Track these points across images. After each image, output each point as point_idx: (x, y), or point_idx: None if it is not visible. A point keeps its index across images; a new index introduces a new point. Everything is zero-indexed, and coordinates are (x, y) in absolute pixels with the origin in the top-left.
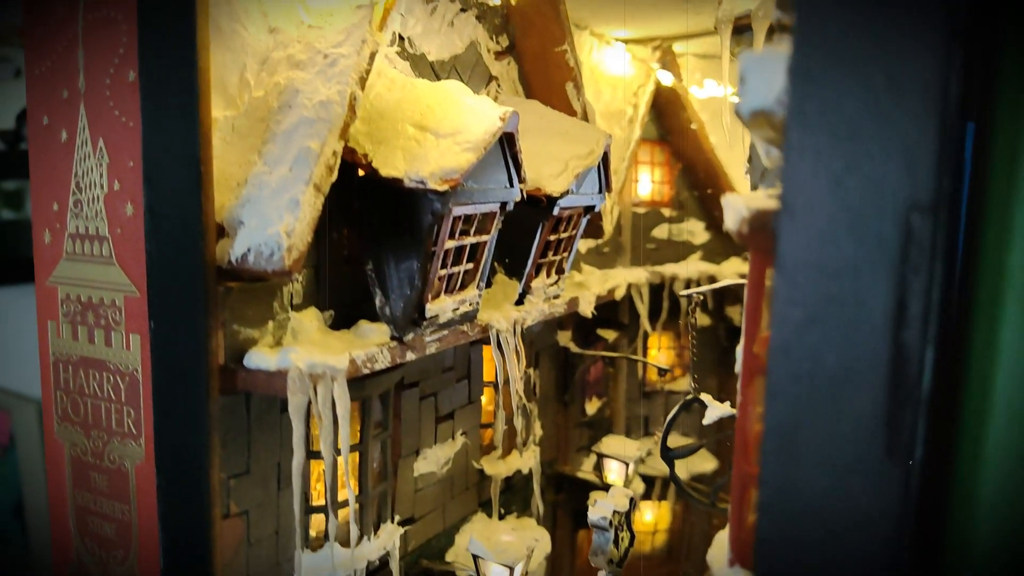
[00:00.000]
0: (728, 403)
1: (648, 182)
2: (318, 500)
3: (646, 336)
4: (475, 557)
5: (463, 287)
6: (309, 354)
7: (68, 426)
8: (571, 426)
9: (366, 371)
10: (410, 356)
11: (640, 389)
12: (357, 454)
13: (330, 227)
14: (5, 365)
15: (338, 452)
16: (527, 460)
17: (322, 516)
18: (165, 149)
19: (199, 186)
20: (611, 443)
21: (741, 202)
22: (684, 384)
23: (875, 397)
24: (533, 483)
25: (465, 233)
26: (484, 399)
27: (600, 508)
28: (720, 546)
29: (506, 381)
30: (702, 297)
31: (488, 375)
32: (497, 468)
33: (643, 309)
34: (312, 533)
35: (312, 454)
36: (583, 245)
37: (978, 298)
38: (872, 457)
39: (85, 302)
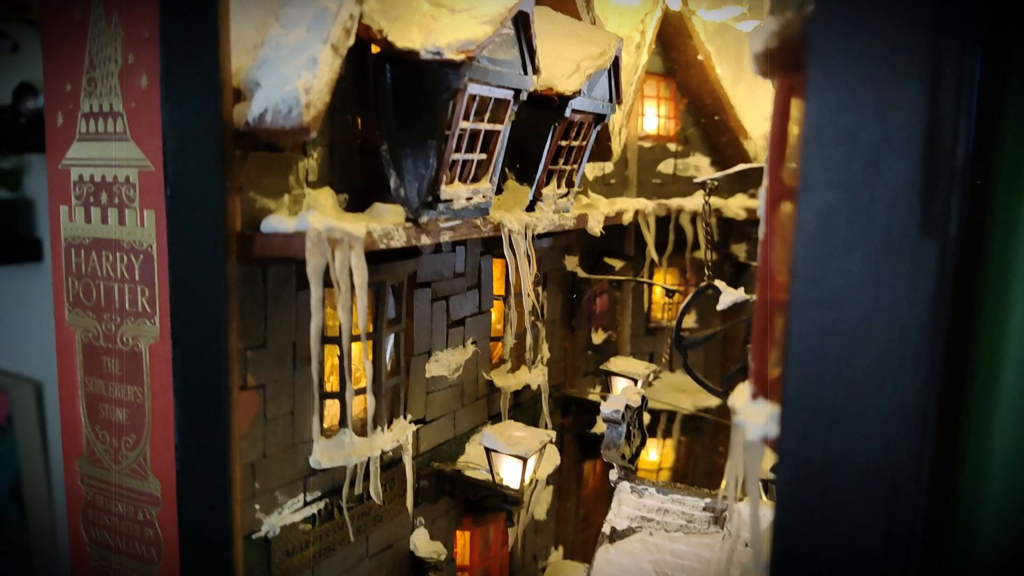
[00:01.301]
0: (742, 288)
1: (654, 117)
2: (332, 388)
3: (652, 266)
4: (488, 450)
5: (476, 179)
6: (327, 219)
7: (79, 312)
8: (577, 351)
9: (382, 246)
10: (425, 240)
11: (645, 325)
12: (372, 343)
13: (344, 111)
14: (3, 346)
15: (356, 333)
16: (535, 377)
17: (336, 402)
18: (180, 15)
19: (216, 49)
20: (618, 362)
21: (768, 23)
22: (689, 321)
23: (909, 172)
24: (542, 400)
25: (480, 117)
26: (494, 315)
27: (612, 402)
28: (742, 391)
29: (516, 294)
30: (716, 183)
31: (498, 288)
32: (506, 381)
33: (650, 238)
34: (326, 424)
35: (327, 339)
36: (590, 172)
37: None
38: (908, 233)
39: (99, 182)
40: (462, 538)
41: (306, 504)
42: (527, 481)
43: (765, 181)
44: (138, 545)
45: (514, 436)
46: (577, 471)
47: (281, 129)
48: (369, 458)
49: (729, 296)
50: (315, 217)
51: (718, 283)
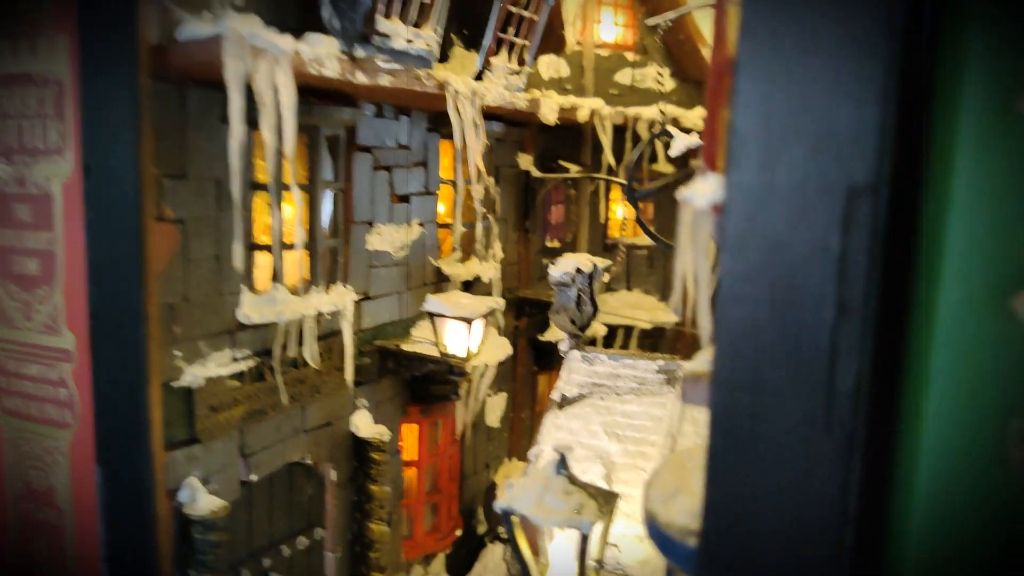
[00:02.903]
0: (695, 133)
1: (611, 24)
2: (267, 242)
3: (610, 171)
4: (431, 315)
5: (417, 24)
6: (251, 26)
7: None
8: (532, 254)
9: (313, 71)
10: (362, 78)
11: (602, 241)
12: (307, 196)
13: None
14: None
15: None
16: (487, 270)
17: (268, 256)
18: None
19: None
20: (571, 256)
21: None
22: (647, 239)
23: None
24: (493, 294)
25: None
26: (443, 202)
27: (562, 265)
28: None
29: (466, 180)
30: (671, 23)
31: (447, 172)
32: (455, 270)
33: (607, 142)
34: (257, 279)
35: (256, 186)
36: (545, 72)
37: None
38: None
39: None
40: (409, 431)
41: (235, 360)
42: (474, 349)
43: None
44: (52, 408)
45: (460, 302)
46: (532, 382)
47: None
48: (303, 318)
49: (682, 141)
50: (236, 21)
51: (671, 128)
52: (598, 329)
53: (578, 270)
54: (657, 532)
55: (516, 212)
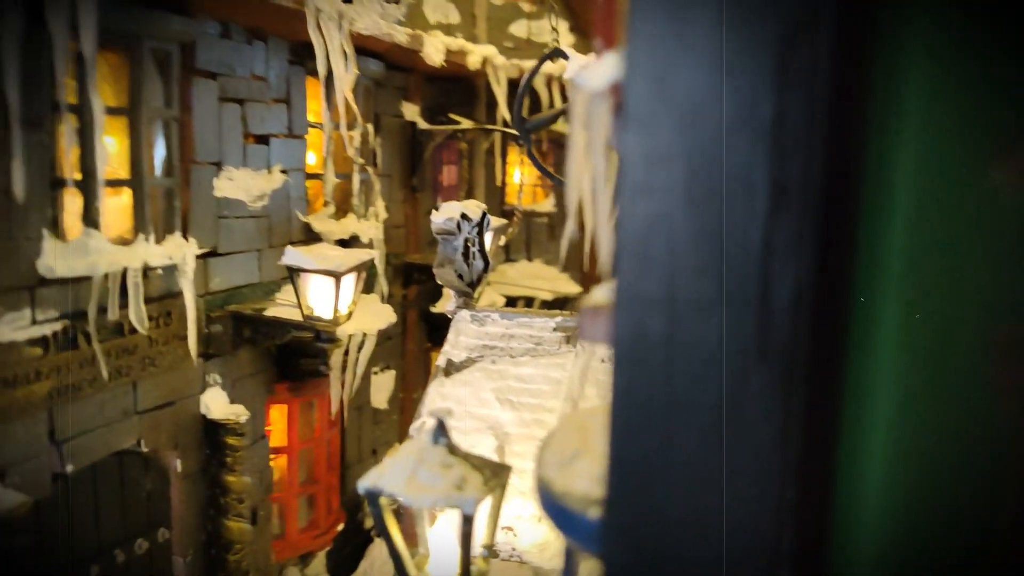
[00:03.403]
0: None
1: None
2: (71, 174)
3: (506, 128)
4: (291, 271)
5: None
6: None
7: None
8: (420, 216)
9: None
10: None
11: (499, 207)
12: (128, 120)
13: None
14: None
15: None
16: (367, 230)
17: (78, 195)
18: None
19: None
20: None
21: None
22: (548, 205)
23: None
24: (376, 264)
25: None
26: (312, 150)
27: (446, 210)
28: None
29: (337, 124)
30: None
31: (316, 115)
32: (328, 227)
33: (501, 94)
34: (63, 221)
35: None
36: (432, 16)
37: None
38: None
39: None
40: (278, 412)
41: (35, 323)
42: (343, 311)
43: None
44: None
45: (326, 254)
46: (424, 359)
47: None
48: (126, 272)
49: (578, 62)
50: None
51: (566, 48)
52: (496, 300)
53: (464, 216)
54: (551, 503)
55: (402, 168)
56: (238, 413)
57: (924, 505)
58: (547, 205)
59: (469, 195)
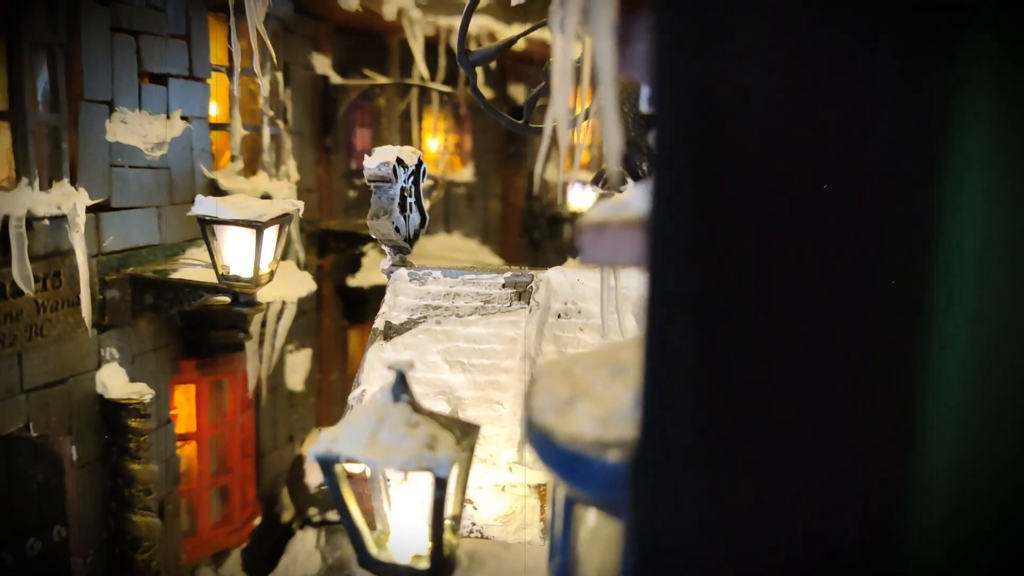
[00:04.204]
0: None
1: None
2: None
3: (424, 91)
4: (203, 222)
5: None
6: None
7: None
8: (335, 178)
9: None
10: None
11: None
12: (2, 43)
13: None
14: None
15: None
16: (280, 189)
17: None
18: None
19: None
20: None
21: None
22: (467, 174)
23: None
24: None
25: None
26: (216, 100)
27: (380, 154)
28: None
29: (244, 70)
30: None
31: (219, 57)
32: (236, 184)
33: (417, 49)
34: None
35: None
36: None
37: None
38: None
39: None
40: (185, 394)
41: None
42: (265, 268)
43: None
44: None
45: (245, 203)
46: (341, 337)
47: None
48: (7, 220)
49: None
50: None
51: None
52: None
53: (400, 162)
54: (557, 451)
55: (314, 126)
56: (141, 392)
57: (991, 500)
58: (466, 175)
59: (383, 123)
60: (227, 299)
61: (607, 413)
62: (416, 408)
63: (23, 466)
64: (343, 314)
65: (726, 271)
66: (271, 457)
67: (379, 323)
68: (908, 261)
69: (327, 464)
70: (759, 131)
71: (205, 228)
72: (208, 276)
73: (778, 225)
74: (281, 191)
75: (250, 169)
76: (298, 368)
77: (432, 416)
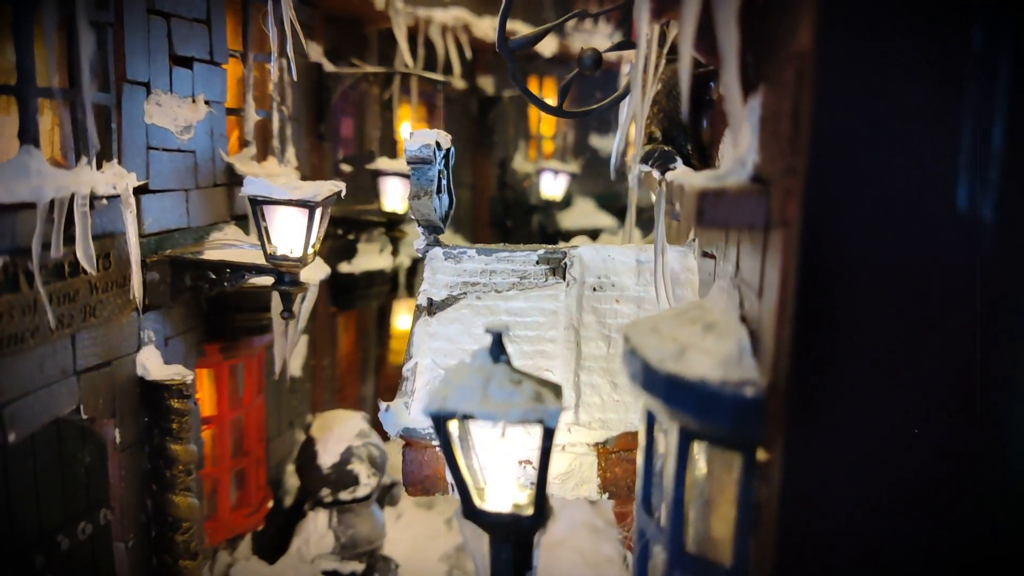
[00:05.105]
0: None
1: None
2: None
3: (406, 77)
4: (254, 202)
5: None
6: None
7: None
8: (328, 166)
9: None
10: None
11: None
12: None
13: None
14: None
15: None
16: (289, 174)
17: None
18: None
19: None
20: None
21: None
22: None
23: None
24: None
25: None
26: (232, 85)
27: (419, 137)
28: None
29: (257, 54)
30: None
31: (234, 41)
32: (251, 169)
33: (402, 38)
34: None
35: None
36: None
37: None
38: None
39: None
40: (206, 378)
41: None
42: (310, 249)
43: None
44: None
45: (294, 184)
46: (331, 324)
47: None
48: (74, 199)
49: None
50: None
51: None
52: (402, 263)
53: (438, 144)
54: (691, 391)
55: (309, 114)
56: (181, 374)
57: None
58: None
59: (361, 149)
60: (271, 280)
61: (722, 360)
62: (512, 367)
63: (73, 450)
64: (331, 300)
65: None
66: (275, 443)
67: (422, 299)
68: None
69: (441, 421)
70: None
71: (256, 208)
72: (241, 257)
73: None
74: (291, 176)
75: (261, 154)
76: (297, 354)
77: (526, 374)
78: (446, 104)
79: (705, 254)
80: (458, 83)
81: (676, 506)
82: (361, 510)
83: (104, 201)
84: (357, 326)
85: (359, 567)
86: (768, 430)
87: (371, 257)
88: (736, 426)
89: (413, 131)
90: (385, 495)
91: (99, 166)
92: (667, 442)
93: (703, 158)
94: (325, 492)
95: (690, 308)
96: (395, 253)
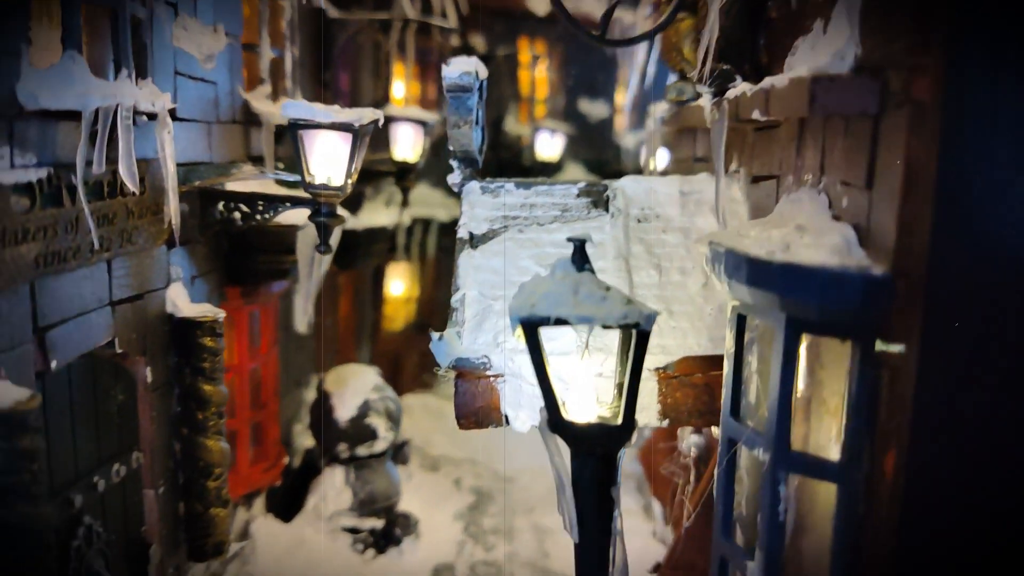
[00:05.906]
0: None
1: None
2: None
3: (406, 25)
4: (294, 125)
5: None
6: None
7: None
8: None
9: None
10: None
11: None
12: None
13: None
14: None
15: None
16: None
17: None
18: None
19: None
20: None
21: None
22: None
23: None
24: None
25: None
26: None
27: (458, 64)
28: None
29: None
30: None
31: None
32: (267, 108)
33: None
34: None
35: None
36: None
37: None
38: None
39: None
40: (226, 324)
41: (14, 166)
42: (350, 179)
43: None
44: None
45: (331, 108)
46: (332, 281)
47: None
48: (118, 110)
49: None
50: None
51: None
52: (403, 221)
53: (476, 73)
54: (812, 275)
55: (312, 60)
56: (214, 311)
57: None
58: (432, 118)
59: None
60: (299, 217)
61: (832, 250)
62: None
63: (107, 386)
64: (333, 259)
65: None
66: (285, 400)
67: (462, 232)
68: None
69: (531, 326)
70: None
71: (295, 133)
72: (271, 190)
73: None
74: None
75: (275, 94)
76: (301, 311)
77: (607, 283)
78: (440, 61)
79: (756, 179)
80: (453, 41)
81: (782, 403)
82: (378, 466)
83: (144, 118)
84: (355, 287)
85: (378, 523)
86: (894, 320)
87: (376, 212)
88: (863, 308)
89: (450, 60)
90: (397, 454)
91: (136, 80)
92: (757, 348)
93: (760, 79)
94: (342, 447)
95: (769, 219)
96: (405, 204)
